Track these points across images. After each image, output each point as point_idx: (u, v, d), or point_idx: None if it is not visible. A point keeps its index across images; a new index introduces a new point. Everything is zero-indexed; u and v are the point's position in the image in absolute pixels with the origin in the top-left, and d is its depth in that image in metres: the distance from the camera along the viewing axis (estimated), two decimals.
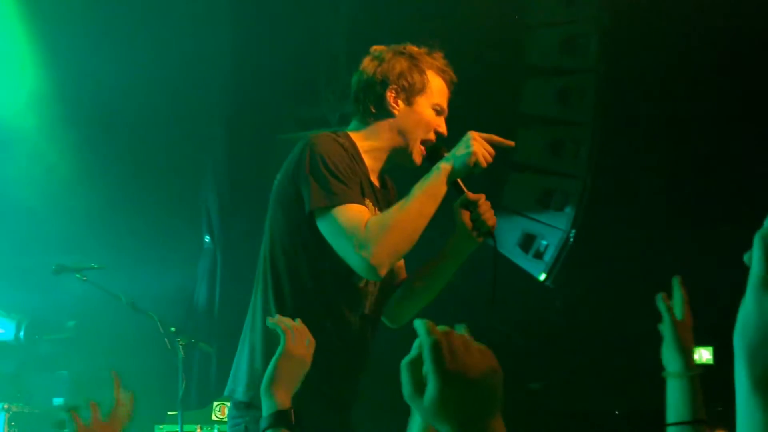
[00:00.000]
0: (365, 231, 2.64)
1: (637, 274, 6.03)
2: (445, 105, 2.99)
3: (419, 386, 1.21)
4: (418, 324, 1.23)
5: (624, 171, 6.46)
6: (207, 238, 6.83)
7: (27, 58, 6.46)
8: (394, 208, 2.74)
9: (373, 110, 2.95)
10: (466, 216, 2.90)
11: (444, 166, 2.78)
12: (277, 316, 2.43)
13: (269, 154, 6.94)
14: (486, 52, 6.55)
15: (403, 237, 2.69)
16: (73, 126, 6.48)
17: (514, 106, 6.68)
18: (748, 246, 0.98)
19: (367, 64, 2.99)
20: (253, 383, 2.79)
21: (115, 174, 6.59)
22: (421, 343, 1.22)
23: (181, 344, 5.24)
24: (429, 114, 2.94)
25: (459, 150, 2.79)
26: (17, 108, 6.43)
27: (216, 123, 6.94)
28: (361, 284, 2.86)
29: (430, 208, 2.74)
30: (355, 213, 2.69)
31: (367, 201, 2.84)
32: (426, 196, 2.73)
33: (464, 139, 2.81)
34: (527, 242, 6.45)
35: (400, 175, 3.14)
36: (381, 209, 2.90)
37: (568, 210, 6.34)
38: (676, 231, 6.27)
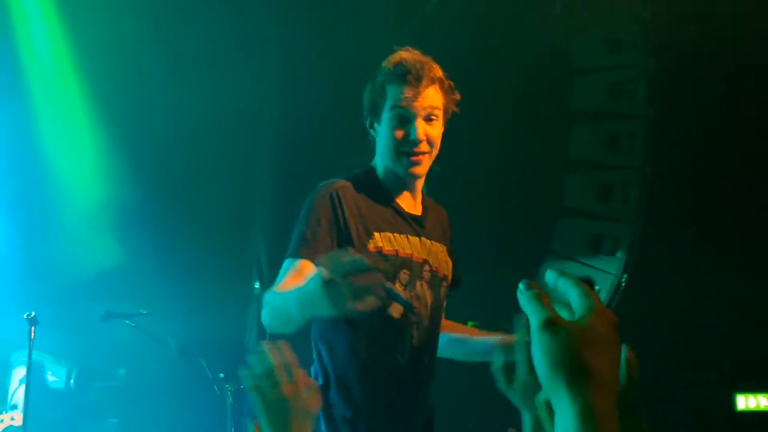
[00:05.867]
0: (268, 291, 2.71)
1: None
2: (403, 103, 2.84)
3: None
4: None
5: (674, 212, 6.37)
6: (257, 285, 6.84)
7: (82, 114, 6.58)
8: (283, 290, 2.66)
9: (371, 139, 3.01)
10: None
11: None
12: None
13: None
14: (531, 98, 6.54)
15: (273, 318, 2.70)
16: (121, 173, 6.56)
17: (563, 151, 6.64)
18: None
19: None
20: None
21: (164, 221, 6.63)
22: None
23: (229, 390, 5.23)
24: (390, 126, 2.86)
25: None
26: (78, 162, 6.56)
27: (266, 171, 6.98)
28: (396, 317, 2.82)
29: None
30: (291, 269, 2.72)
31: (385, 234, 2.85)
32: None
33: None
34: None
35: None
36: (418, 235, 2.92)
37: (620, 255, 6.27)
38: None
